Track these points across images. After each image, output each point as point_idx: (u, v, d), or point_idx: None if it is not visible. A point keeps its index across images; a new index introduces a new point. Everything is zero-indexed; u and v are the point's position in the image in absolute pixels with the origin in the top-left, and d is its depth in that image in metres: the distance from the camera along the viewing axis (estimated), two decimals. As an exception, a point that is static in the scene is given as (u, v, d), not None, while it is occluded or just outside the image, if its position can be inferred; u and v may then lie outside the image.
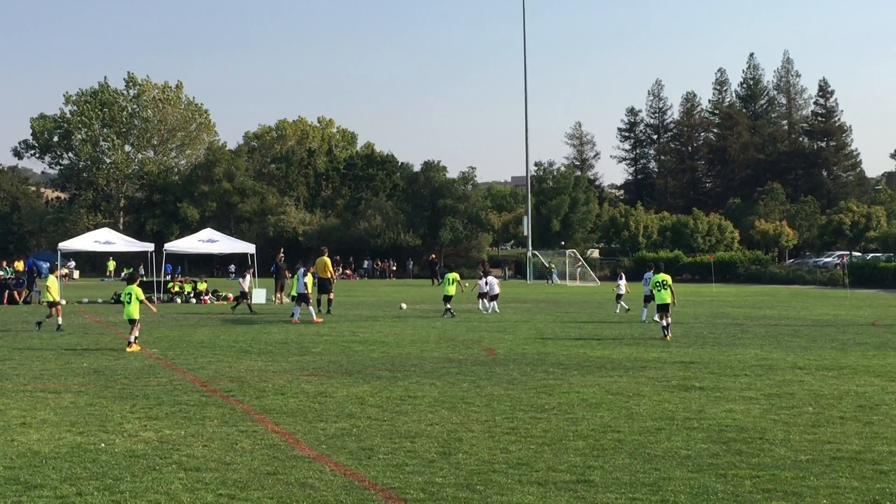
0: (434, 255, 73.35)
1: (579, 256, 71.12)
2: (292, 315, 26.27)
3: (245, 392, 12.48)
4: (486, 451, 8.75)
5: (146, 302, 18.99)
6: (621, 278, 31.23)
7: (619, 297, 30.46)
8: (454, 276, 29.25)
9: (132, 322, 18.46)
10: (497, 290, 30.82)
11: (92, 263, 79.73)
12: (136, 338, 18.31)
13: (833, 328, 24.04)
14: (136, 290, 18.75)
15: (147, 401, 11.68)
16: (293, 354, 17.32)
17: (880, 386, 13.16)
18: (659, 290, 21.04)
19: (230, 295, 39.61)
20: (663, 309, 20.87)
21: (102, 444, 9.04)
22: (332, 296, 29.90)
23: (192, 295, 38.20)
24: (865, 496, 7.22)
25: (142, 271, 45.85)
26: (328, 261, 29.99)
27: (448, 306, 28.04)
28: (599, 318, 28.16)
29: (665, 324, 20.69)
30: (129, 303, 18.56)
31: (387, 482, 7.62)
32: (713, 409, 11.07)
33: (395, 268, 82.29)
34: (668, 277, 21.35)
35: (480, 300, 30.95)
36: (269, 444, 9.09)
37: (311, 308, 26.39)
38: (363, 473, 7.90)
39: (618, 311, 29.97)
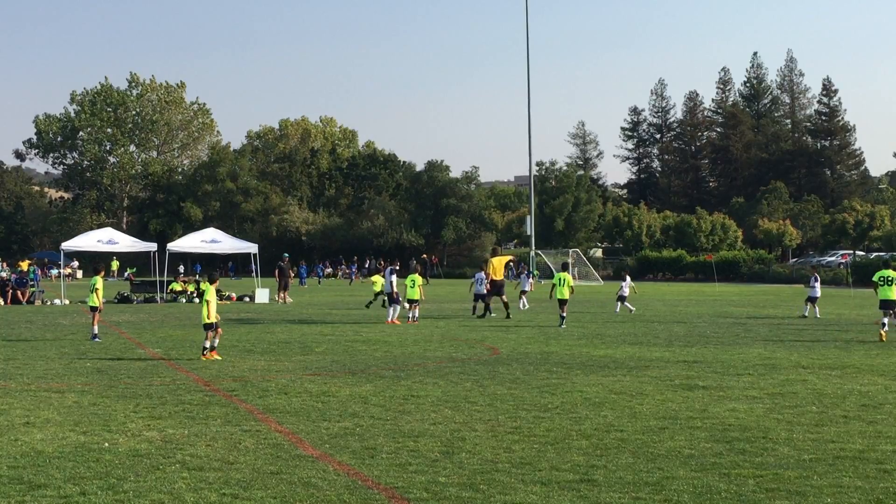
0: (435, 257, 73.18)
1: (582, 255, 71.07)
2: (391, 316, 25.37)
3: (248, 391, 12.49)
4: (489, 451, 8.74)
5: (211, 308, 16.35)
6: (625, 279, 30.87)
7: (621, 298, 30.09)
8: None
9: (210, 328, 16.25)
10: (528, 287, 33.48)
11: (96, 263, 79.95)
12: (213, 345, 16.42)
13: (836, 327, 24.00)
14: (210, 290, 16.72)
15: (150, 400, 11.69)
16: (296, 354, 17.33)
17: (884, 385, 13.13)
18: (886, 286, 20.74)
19: (233, 295, 39.65)
20: (889, 306, 20.68)
21: (106, 444, 9.05)
22: (505, 298, 27.77)
23: (195, 295, 38.21)
24: (869, 495, 7.20)
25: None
26: (503, 260, 29.45)
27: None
28: (602, 317, 28.13)
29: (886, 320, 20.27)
30: (203, 302, 16.60)
31: (390, 481, 7.61)
32: (716, 409, 11.06)
33: (398, 267, 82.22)
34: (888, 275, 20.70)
35: (522, 298, 32.63)
36: (273, 443, 9.10)
37: (393, 308, 25.55)
38: (366, 473, 7.90)
39: (618, 310, 29.88)
